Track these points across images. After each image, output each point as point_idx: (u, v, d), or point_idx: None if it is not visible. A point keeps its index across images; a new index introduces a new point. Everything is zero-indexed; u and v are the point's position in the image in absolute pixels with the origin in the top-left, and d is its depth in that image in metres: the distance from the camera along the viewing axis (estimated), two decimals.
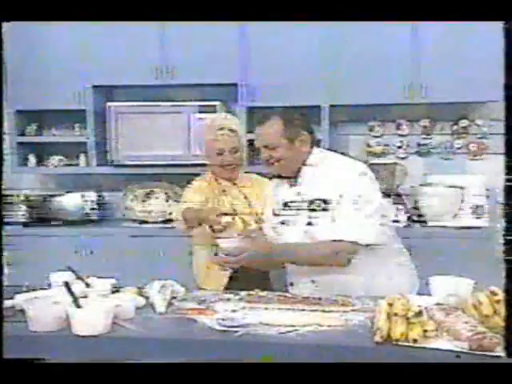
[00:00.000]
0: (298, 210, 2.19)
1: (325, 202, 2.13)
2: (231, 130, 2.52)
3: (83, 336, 1.63)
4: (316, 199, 2.14)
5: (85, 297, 1.84)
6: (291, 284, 2.29)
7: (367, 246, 2.10)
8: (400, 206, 3.68)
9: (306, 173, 2.21)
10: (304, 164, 2.21)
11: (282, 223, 2.25)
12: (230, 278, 2.44)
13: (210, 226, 2.38)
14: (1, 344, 1.52)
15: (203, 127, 2.57)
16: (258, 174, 2.67)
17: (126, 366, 1.52)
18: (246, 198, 2.55)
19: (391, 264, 2.22)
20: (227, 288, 2.37)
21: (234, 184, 2.57)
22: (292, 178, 2.24)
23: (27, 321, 1.69)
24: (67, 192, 4.08)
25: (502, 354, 1.44)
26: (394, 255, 2.27)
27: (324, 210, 2.12)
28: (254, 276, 2.33)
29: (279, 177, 2.30)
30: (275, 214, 2.29)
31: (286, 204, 2.23)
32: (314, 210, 2.15)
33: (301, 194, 2.19)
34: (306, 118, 2.30)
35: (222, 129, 2.50)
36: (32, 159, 4.04)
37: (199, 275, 2.58)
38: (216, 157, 2.51)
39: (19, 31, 3.58)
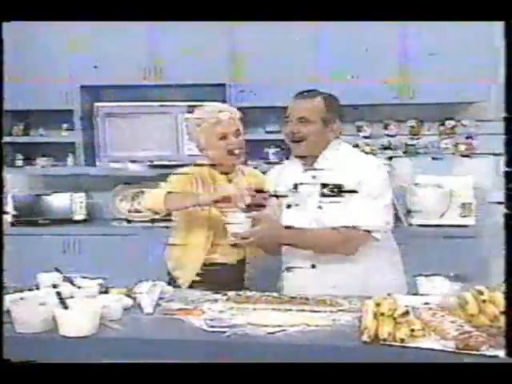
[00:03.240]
0: (308, 193, 2.16)
1: (340, 188, 2.12)
2: (231, 112, 2.37)
3: (70, 337, 1.62)
4: (331, 184, 2.13)
5: (72, 297, 1.83)
6: (288, 269, 2.25)
7: (376, 239, 2.10)
8: None
9: (324, 158, 2.19)
10: (323, 150, 2.19)
11: (288, 206, 2.22)
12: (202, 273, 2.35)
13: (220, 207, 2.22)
14: (1, 344, 1.52)
15: (197, 115, 2.36)
16: None
17: (114, 366, 1.52)
18: None
19: (386, 262, 2.23)
20: (194, 281, 2.31)
21: (229, 181, 2.38)
22: (308, 161, 2.21)
23: (13, 322, 1.67)
24: (54, 192, 4.05)
25: (490, 352, 1.45)
26: (389, 253, 2.28)
27: (337, 195, 2.11)
28: (225, 275, 2.30)
29: (296, 157, 2.24)
30: (279, 196, 2.26)
31: (295, 187, 2.21)
32: (325, 195, 2.13)
33: (316, 178, 2.17)
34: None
35: (221, 111, 2.32)
36: (19, 159, 4.01)
37: (172, 259, 2.44)
38: (218, 142, 2.30)
39: (6, 31, 3.55)
